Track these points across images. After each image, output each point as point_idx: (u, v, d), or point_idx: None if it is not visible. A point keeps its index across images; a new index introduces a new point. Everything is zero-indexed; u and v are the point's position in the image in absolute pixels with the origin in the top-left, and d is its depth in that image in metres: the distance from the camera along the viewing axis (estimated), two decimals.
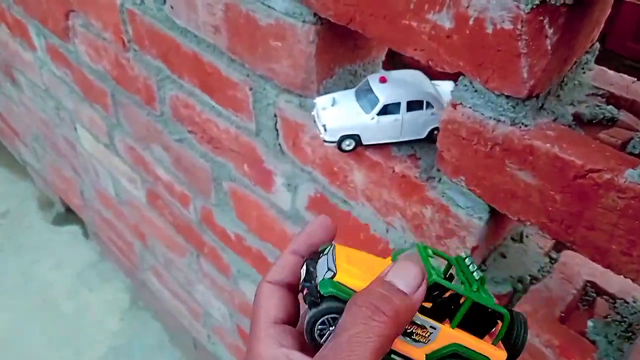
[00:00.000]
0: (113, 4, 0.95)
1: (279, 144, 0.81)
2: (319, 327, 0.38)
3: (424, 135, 0.66)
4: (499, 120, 0.52)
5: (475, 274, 0.39)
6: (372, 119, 0.64)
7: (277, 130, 0.79)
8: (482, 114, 0.53)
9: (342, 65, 0.71)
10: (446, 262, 0.43)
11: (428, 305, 0.39)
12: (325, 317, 0.37)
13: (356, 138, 0.65)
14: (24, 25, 1.39)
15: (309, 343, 0.38)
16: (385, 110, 0.63)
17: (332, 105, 0.66)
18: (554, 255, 0.71)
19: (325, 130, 0.65)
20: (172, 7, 0.83)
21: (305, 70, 0.68)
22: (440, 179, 0.62)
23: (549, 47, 0.46)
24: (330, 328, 0.37)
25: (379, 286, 0.36)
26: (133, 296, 1.98)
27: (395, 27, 0.55)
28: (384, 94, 0.63)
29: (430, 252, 0.41)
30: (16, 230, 2.20)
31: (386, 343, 0.34)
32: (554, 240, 0.72)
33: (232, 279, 1.23)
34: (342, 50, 0.70)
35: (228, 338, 1.46)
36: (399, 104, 0.63)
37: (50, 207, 2.30)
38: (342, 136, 0.65)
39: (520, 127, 0.51)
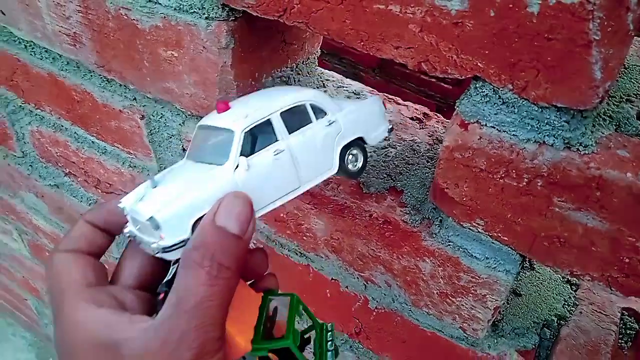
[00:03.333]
0: None
1: None
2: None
3: (336, 165, 0.41)
4: (542, 143, 0.34)
5: (330, 353, 0.38)
6: (236, 167, 0.36)
7: None
8: (515, 135, 0.34)
9: (270, 72, 0.50)
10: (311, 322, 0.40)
11: (274, 358, 0.37)
12: None
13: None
14: None
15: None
16: (252, 146, 0.37)
17: (154, 187, 0.37)
18: (572, 279, 0.56)
19: (157, 228, 0.34)
20: (3, 14, 0.57)
21: (219, 88, 0.46)
22: (442, 221, 0.44)
23: (631, 26, 0.28)
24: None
25: (212, 236, 0.33)
26: (39, 353, 1.67)
27: (361, 18, 0.35)
28: (236, 120, 0.37)
29: (301, 308, 0.39)
30: None
31: (231, 295, 0.33)
32: None
33: None
34: (267, 52, 0.48)
35: None
36: (268, 123, 0.38)
37: None
38: (196, 224, 0.35)
39: (578, 150, 0.33)
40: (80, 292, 0.34)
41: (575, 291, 0.55)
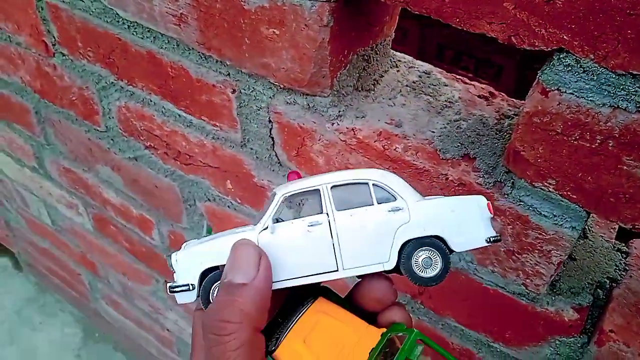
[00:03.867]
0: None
1: (275, 155, 0.65)
2: None
3: (392, 260, 0.37)
4: (616, 107, 0.39)
5: None
6: (264, 229, 0.36)
7: (272, 138, 0.63)
8: (592, 100, 0.40)
9: (355, 51, 0.56)
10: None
11: None
12: None
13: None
14: None
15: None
16: (296, 214, 0.37)
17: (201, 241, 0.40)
18: (622, 247, 0.61)
19: (171, 266, 0.38)
20: None
21: (315, 63, 0.52)
22: (513, 183, 0.49)
23: None
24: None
25: (221, 294, 0.34)
26: (86, 328, 1.75)
27: None
28: (286, 185, 0.38)
29: (417, 351, 0.34)
30: None
31: (252, 338, 0.33)
32: (616, 230, 0.62)
33: None
34: (355, 32, 0.54)
35: None
36: (316, 194, 0.37)
37: None
38: (205, 273, 0.37)
39: None
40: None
41: (625, 258, 0.60)
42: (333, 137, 0.57)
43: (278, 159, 0.65)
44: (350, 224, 0.36)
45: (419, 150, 0.53)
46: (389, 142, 0.54)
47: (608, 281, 0.57)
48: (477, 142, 0.54)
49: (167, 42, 0.64)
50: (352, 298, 0.39)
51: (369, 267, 0.36)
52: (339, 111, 0.56)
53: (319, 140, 0.58)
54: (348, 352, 0.34)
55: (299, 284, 0.36)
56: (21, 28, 0.81)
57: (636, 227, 0.44)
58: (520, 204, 0.49)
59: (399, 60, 0.63)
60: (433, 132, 0.55)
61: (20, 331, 1.75)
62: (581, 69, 0.39)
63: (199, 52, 0.62)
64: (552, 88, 0.41)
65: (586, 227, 0.61)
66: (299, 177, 0.40)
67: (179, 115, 0.71)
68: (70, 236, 1.32)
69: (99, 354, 1.71)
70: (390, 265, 0.36)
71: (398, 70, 0.62)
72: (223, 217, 0.81)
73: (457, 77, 0.62)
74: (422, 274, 0.37)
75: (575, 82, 0.40)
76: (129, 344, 1.61)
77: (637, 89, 0.38)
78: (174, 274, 0.38)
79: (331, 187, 0.37)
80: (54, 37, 0.78)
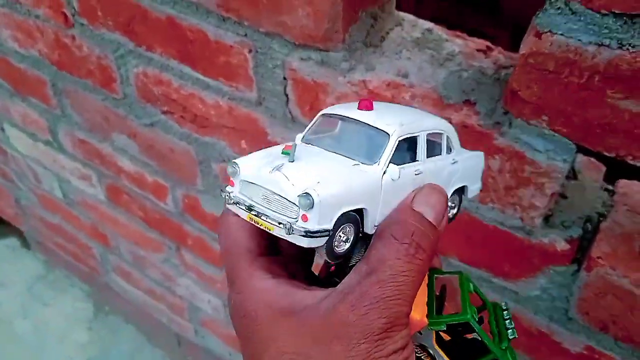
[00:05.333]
0: None
1: (289, 112, 0.70)
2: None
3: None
4: (600, 44, 0.44)
5: (510, 332, 0.37)
6: (388, 172, 0.36)
7: (286, 95, 0.69)
8: (579, 40, 0.45)
9: (365, 9, 0.61)
10: (482, 302, 0.40)
11: (446, 337, 0.37)
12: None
13: (355, 220, 0.35)
14: None
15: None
16: (399, 157, 0.37)
17: (291, 161, 0.35)
18: (609, 187, 0.67)
19: (309, 207, 0.32)
20: None
21: (329, 18, 0.57)
22: (511, 123, 0.55)
23: None
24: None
25: (411, 217, 0.34)
26: (96, 302, 1.81)
27: None
28: (391, 124, 0.37)
29: (472, 286, 0.39)
30: None
31: (422, 278, 0.34)
32: (604, 172, 0.68)
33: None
34: None
35: (221, 329, 1.36)
36: (414, 141, 0.38)
37: None
38: (341, 218, 0.34)
39: (628, 49, 0.44)
40: (256, 260, 0.36)
41: (612, 196, 0.66)
42: (345, 89, 0.62)
43: (292, 115, 0.70)
44: (433, 173, 0.39)
45: (425, 97, 0.59)
46: (397, 91, 0.59)
47: (597, 215, 0.63)
48: (476, 89, 0.59)
49: (186, 6, 0.69)
50: None
51: None
52: (350, 65, 0.61)
53: (332, 93, 0.63)
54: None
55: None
56: (40, 1, 0.85)
57: (619, 155, 0.49)
58: (517, 142, 0.54)
59: (403, 19, 0.68)
60: (436, 81, 0.60)
61: (32, 306, 1.80)
62: (570, 11, 0.44)
63: (218, 14, 0.66)
64: (545, 30, 0.46)
65: (576, 169, 0.67)
66: (372, 105, 0.38)
67: (197, 78, 0.76)
68: (82, 209, 1.37)
69: (110, 326, 1.77)
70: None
71: (402, 28, 0.67)
72: None
73: (457, 33, 0.67)
74: (449, 215, 0.42)
75: (565, 23, 0.45)
76: (140, 315, 1.66)
77: (618, 27, 0.43)
78: (302, 214, 0.32)
79: (426, 135, 0.39)
80: (73, 8, 0.82)
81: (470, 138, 0.57)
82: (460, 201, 0.44)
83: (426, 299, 0.36)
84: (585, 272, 0.60)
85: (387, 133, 0.36)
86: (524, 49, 0.49)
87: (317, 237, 0.33)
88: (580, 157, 0.55)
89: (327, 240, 0.33)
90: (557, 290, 0.64)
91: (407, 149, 0.37)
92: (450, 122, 0.44)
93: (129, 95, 0.89)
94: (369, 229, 0.36)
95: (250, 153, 0.37)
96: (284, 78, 0.67)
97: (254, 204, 0.35)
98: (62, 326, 1.75)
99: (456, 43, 0.65)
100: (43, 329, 1.75)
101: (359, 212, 0.35)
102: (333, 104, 0.64)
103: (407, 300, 0.32)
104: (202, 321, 1.40)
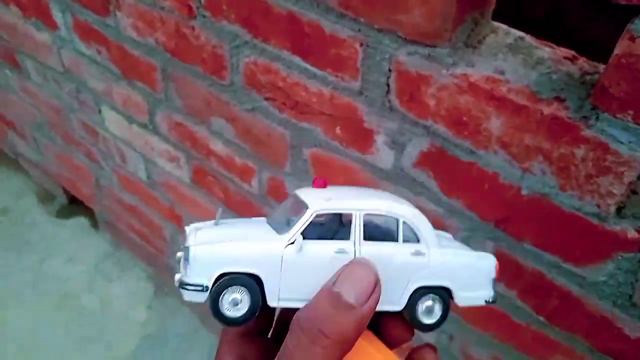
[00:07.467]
0: None
1: (388, 101, 0.80)
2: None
3: (402, 304, 0.38)
4: None
5: None
6: (290, 243, 0.35)
7: (388, 86, 0.78)
8: None
9: (469, 13, 0.70)
10: None
11: None
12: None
13: (250, 286, 0.36)
14: (43, 3, 1.31)
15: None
16: (319, 233, 0.36)
17: (216, 225, 0.40)
18: None
19: (186, 260, 0.36)
20: None
21: (441, 17, 0.67)
22: (597, 117, 0.63)
23: None
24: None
25: (323, 300, 0.32)
26: (157, 283, 1.92)
27: None
28: (317, 198, 0.37)
29: None
30: (19, 228, 2.10)
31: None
32: None
33: None
34: None
35: None
36: (349, 219, 0.37)
37: (51, 200, 2.20)
38: (225, 279, 0.36)
39: None
40: (234, 342, 0.41)
41: None
42: (446, 81, 0.71)
43: (390, 105, 0.80)
44: (374, 255, 0.36)
45: (519, 92, 0.67)
46: (495, 85, 0.68)
47: None
48: (565, 89, 0.67)
49: (308, 3, 0.79)
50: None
51: (381, 306, 0.36)
52: (453, 60, 0.71)
53: (434, 84, 0.72)
54: None
55: (300, 306, 0.35)
56: None
57: None
58: (602, 133, 0.62)
59: (497, 27, 0.77)
60: (529, 80, 0.69)
61: (98, 282, 1.93)
62: None
63: (337, 11, 0.77)
64: (638, 35, 0.55)
65: None
66: (325, 184, 0.39)
67: (305, 68, 0.87)
68: (163, 189, 1.49)
69: (168, 307, 1.88)
70: (400, 306, 0.37)
71: (496, 35, 0.76)
72: (327, 161, 0.96)
73: (546, 42, 0.75)
74: (423, 320, 0.38)
75: None
76: None
77: None
78: (186, 267, 0.35)
79: (364, 214, 0.36)
80: (199, 1, 0.94)
81: (558, 129, 0.65)
82: (446, 307, 0.39)
83: None
84: None
85: (307, 206, 0.36)
86: (617, 49, 0.57)
87: (192, 290, 0.34)
88: None
89: (212, 300, 0.35)
90: (624, 276, 0.70)
91: (337, 227, 0.37)
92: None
93: (235, 83, 1.00)
94: (272, 301, 0.36)
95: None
96: (389, 70, 0.76)
97: (181, 259, 0.39)
98: (124, 302, 1.87)
99: (545, 50, 0.73)
100: (107, 303, 1.87)
101: (259, 280, 0.35)
102: (433, 95, 0.74)
103: None
104: None
